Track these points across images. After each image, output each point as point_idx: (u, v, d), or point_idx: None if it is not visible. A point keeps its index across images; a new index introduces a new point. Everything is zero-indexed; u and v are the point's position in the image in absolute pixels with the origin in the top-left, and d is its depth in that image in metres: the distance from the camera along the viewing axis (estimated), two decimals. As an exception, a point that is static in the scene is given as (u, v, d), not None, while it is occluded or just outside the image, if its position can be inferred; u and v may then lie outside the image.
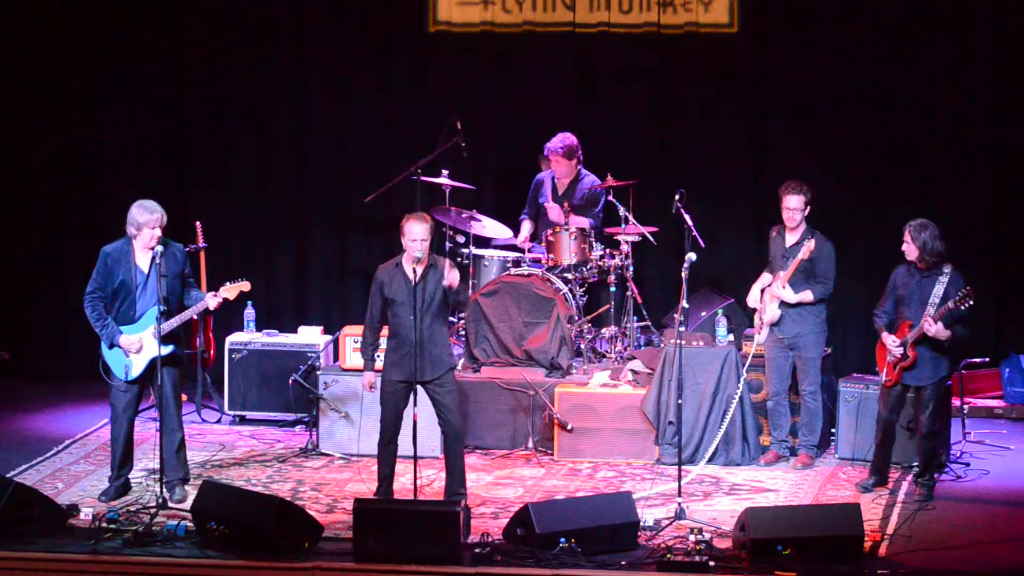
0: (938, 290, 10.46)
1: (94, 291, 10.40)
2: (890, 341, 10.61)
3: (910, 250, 10.58)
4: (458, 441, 10.33)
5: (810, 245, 11.15)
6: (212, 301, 10.43)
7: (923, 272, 10.55)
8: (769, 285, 11.44)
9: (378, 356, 10.40)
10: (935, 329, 10.39)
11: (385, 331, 10.38)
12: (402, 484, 10.88)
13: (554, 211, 12.81)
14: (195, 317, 10.68)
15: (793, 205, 11.24)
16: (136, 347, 10.31)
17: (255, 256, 14.38)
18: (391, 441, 10.25)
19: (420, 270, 10.11)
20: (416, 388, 10.19)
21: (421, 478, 10.36)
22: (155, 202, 10.33)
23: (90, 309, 10.39)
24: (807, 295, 11.29)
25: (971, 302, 10.27)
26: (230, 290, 10.66)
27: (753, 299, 11.50)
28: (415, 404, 10.11)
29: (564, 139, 12.87)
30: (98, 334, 10.40)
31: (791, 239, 11.35)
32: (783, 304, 11.34)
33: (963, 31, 13.36)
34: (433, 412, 10.37)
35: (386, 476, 10.32)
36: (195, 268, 12.46)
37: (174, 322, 10.35)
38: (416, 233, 10.09)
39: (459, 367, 11.46)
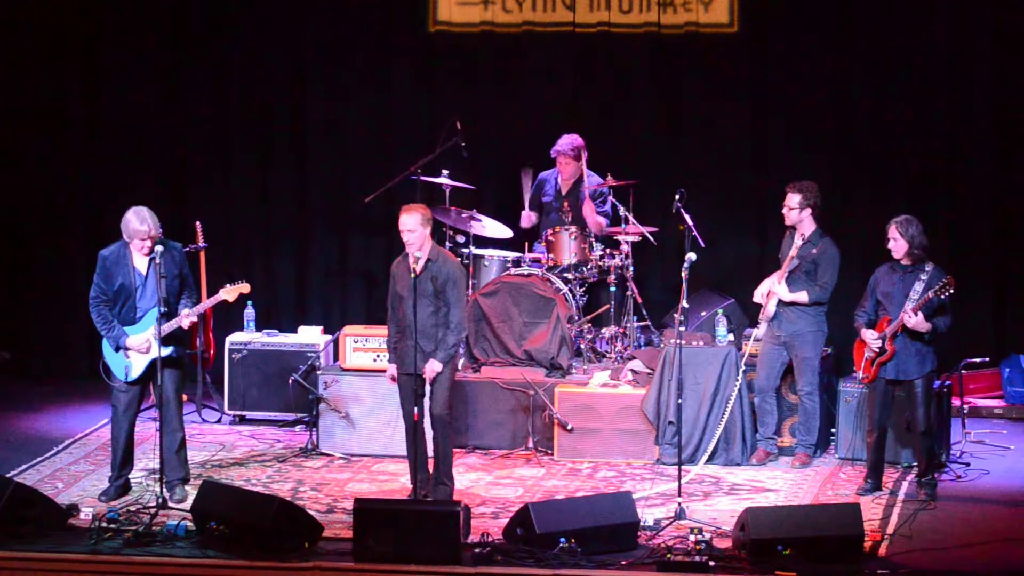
0: (918, 286, 10.49)
1: (97, 295, 10.39)
2: (869, 336, 10.63)
3: (898, 247, 10.59)
4: (438, 429, 10.36)
5: (798, 243, 11.21)
6: (185, 321, 10.40)
7: (905, 268, 10.58)
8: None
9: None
10: (915, 320, 10.40)
11: None
12: (402, 484, 10.90)
13: (592, 221, 12.77)
14: (195, 317, 10.68)
15: (788, 202, 11.32)
16: (145, 347, 10.31)
17: (255, 256, 14.37)
18: (413, 433, 10.25)
19: (421, 262, 10.13)
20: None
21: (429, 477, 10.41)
22: (150, 212, 10.27)
23: (95, 314, 10.39)
24: (802, 296, 11.31)
25: (951, 291, 10.32)
26: (230, 292, 10.66)
27: (758, 294, 11.51)
28: (417, 404, 10.15)
29: (572, 140, 12.88)
30: (105, 338, 10.40)
31: (798, 239, 11.38)
32: (780, 302, 11.37)
33: (963, 31, 13.35)
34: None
35: (411, 466, 10.35)
36: (195, 268, 12.46)
37: (173, 324, 10.34)
38: (402, 224, 10.20)
39: (460, 366, 11.45)
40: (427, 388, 10.33)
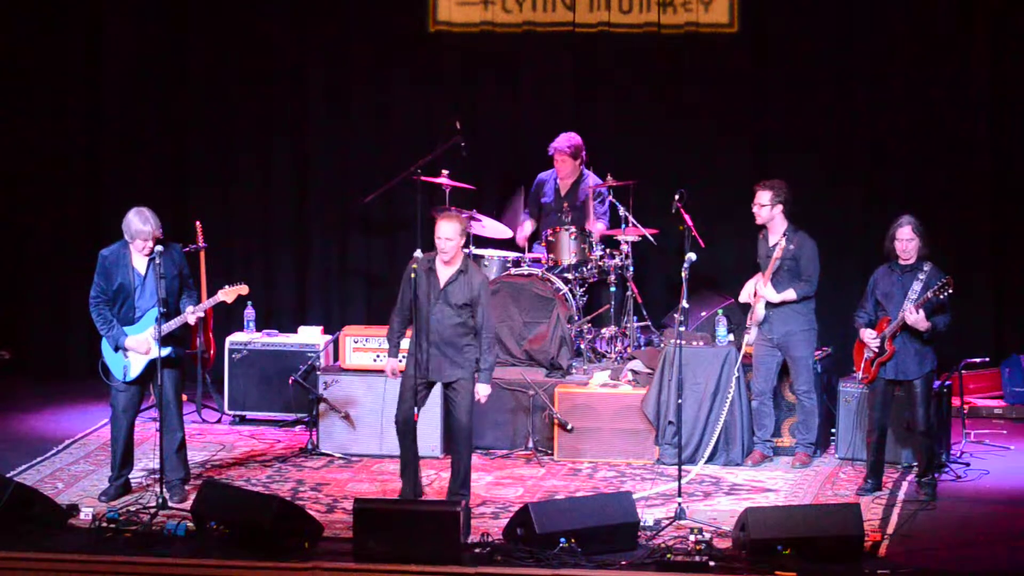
0: (916, 286, 10.50)
1: (97, 295, 10.39)
2: (868, 336, 10.64)
3: (912, 247, 10.56)
4: (464, 440, 10.28)
5: (782, 244, 11.23)
6: (191, 317, 10.41)
7: (904, 268, 10.59)
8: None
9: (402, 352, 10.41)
10: (915, 317, 10.41)
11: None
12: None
13: (594, 227, 12.78)
14: (201, 313, 10.68)
15: (758, 200, 11.33)
16: (144, 348, 10.31)
17: (255, 256, 14.37)
18: (404, 434, 10.20)
19: (450, 271, 10.09)
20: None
21: (421, 477, 10.38)
22: (152, 213, 10.27)
23: (95, 314, 10.39)
24: (789, 294, 11.31)
25: (950, 291, 10.34)
26: (228, 293, 10.66)
27: (745, 295, 11.51)
28: (416, 405, 10.13)
29: (570, 138, 12.89)
30: (104, 338, 10.40)
31: (772, 239, 11.39)
32: (769, 304, 11.37)
33: (963, 31, 13.35)
34: (434, 412, 10.38)
35: (404, 465, 10.28)
36: (195, 268, 12.46)
37: (172, 324, 10.34)
38: (442, 231, 10.07)
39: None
40: (447, 397, 10.30)
